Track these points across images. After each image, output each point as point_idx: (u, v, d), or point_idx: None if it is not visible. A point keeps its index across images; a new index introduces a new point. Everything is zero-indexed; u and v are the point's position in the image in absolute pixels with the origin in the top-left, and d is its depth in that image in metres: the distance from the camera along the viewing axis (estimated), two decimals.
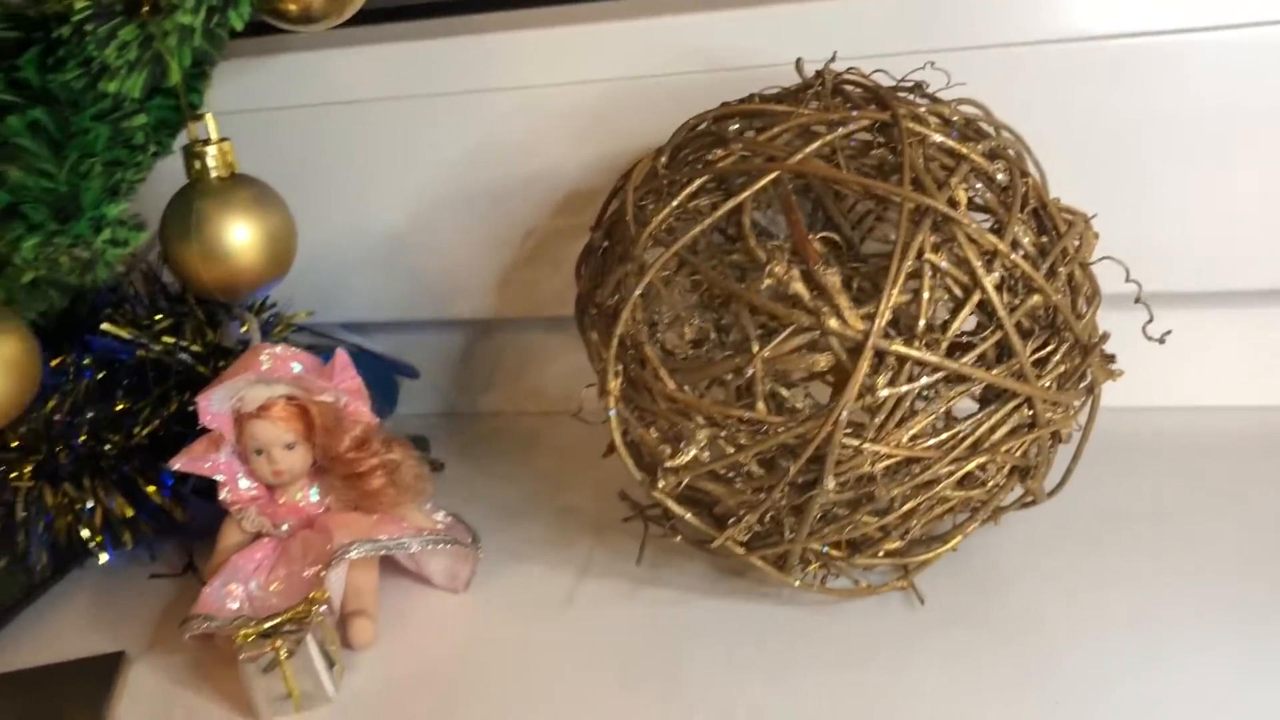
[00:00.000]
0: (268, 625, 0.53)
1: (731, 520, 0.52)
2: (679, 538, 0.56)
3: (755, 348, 0.49)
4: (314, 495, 0.61)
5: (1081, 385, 0.53)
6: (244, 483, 0.60)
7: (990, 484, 0.53)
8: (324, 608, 0.55)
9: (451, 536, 0.60)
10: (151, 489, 0.66)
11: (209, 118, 0.61)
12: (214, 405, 0.57)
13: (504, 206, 0.72)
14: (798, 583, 0.55)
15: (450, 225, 0.75)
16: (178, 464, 0.59)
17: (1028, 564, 0.58)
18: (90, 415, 0.65)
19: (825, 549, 0.54)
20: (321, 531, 0.59)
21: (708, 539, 0.54)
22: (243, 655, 0.52)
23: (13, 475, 0.63)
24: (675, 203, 0.52)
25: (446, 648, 0.58)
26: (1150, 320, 0.53)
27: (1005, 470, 0.53)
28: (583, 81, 0.68)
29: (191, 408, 0.60)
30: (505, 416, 0.81)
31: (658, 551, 0.61)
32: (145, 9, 0.55)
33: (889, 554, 0.56)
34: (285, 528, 0.61)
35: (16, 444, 0.63)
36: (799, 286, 0.48)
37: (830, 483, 0.49)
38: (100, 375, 0.66)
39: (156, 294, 0.68)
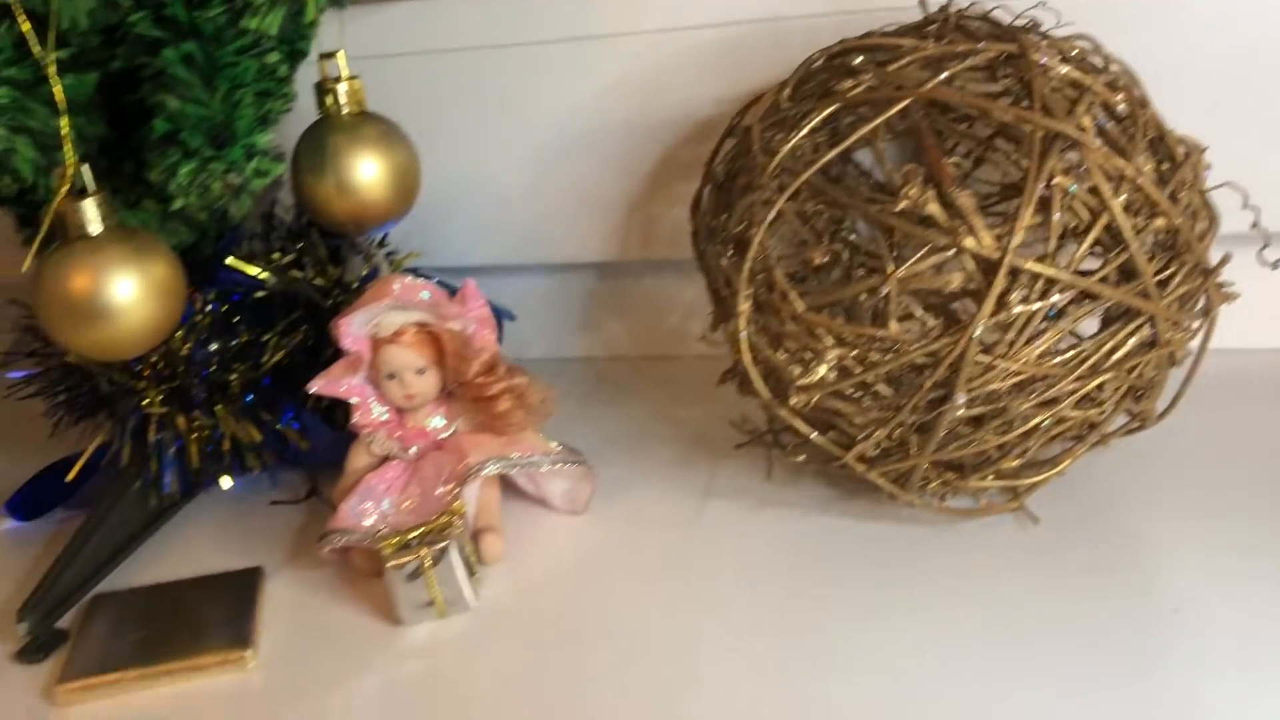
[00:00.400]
0: (411, 536, 0.56)
1: (861, 436, 0.54)
2: (802, 457, 0.58)
3: (890, 268, 0.51)
4: (439, 420, 0.63)
5: (1198, 308, 0.55)
6: (375, 407, 0.62)
7: (1107, 404, 0.54)
8: (462, 520, 0.57)
9: (577, 456, 0.62)
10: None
11: (340, 55, 0.63)
12: (354, 328, 0.59)
13: (617, 151, 0.74)
14: (917, 501, 0.57)
15: (561, 171, 0.76)
16: (316, 386, 0.61)
17: (1134, 489, 0.60)
18: (216, 347, 0.67)
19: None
20: (453, 452, 0.61)
21: (832, 458, 0.56)
22: (389, 563, 0.55)
23: (145, 402, 0.66)
24: (805, 130, 0.54)
25: (571, 563, 0.60)
26: (1266, 245, 0.55)
27: (1122, 391, 0.55)
28: (696, 26, 0.69)
29: (310, 342, 0.62)
30: (613, 360, 0.83)
31: (777, 472, 0.63)
32: None
33: (999, 476, 0.58)
34: (413, 451, 0.63)
35: (148, 372, 0.65)
36: (934, 208, 0.50)
37: (961, 398, 0.51)
38: (224, 309, 0.68)
39: (278, 231, 0.70)
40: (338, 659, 0.55)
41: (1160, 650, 0.49)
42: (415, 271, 0.74)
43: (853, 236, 0.65)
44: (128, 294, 0.56)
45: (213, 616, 0.57)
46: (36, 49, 0.56)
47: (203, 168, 0.55)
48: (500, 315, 0.80)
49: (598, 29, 0.71)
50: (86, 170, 0.55)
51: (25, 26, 0.54)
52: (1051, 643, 0.50)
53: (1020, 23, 0.60)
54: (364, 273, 0.68)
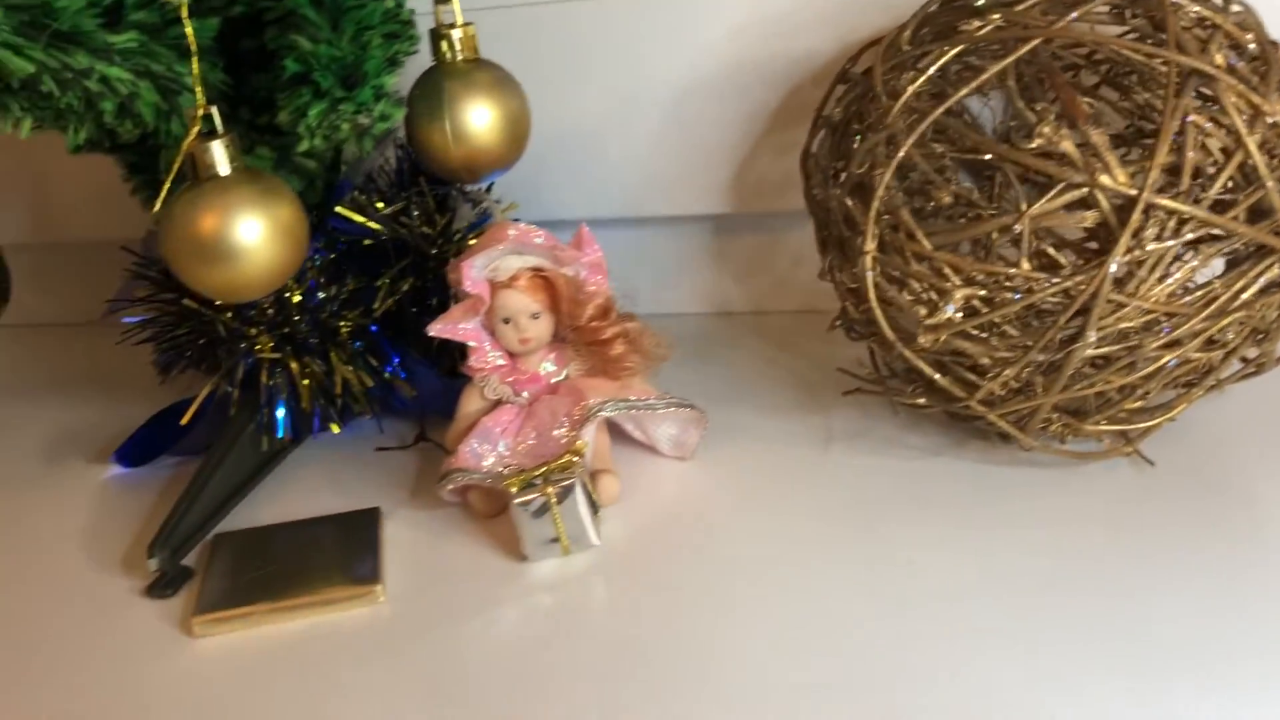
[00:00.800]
0: (536, 474, 0.57)
1: (988, 376, 0.54)
2: (922, 400, 0.59)
3: (1023, 206, 0.51)
4: (551, 365, 0.64)
5: None
6: (490, 352, 0.63)
7: (1231, 345, 0.55)
8: (583, 460, 0.58)
9: (689, 401, 0.63)
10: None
11: (455, 1, 0.63)
12: (474, 271, 0.60)
13: (722, 102, 0.74)
14: (1035, 444, 0.57)
15: (665, 122, 0.77)
16: (436, 328, 0.62)
17: (1248, 435, 0.60)
18: (325, 294, 0.68)
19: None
20: (569, 395, 0.62)
21: (954, 399, 0.56)
22: (516, 500, 0.56)
23: (257, 347, 0.67)
24: (931, 70, 0.55)
25: (685, 505, 0.61)
26: None
27: (1245, 333, 0.55)
28: None
29: (420, 288, 0.63)
30: (718, 316, 0.84)
31: (889, 416, 0.64)
32: None
33: (1115, 420, 0.58)
34: (524, 395, 0.64)
35: (261, 318, 0.66)
36: (1068, 145, 0.50)
37: (1092, 336, 0.51)
38: (332, 256, 0.69)
39: (384, 179, 0.70)
40: (465, 594, 0.56)
41: (1268, 594, 0.49)
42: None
43: (953, 186, 0.65)
44: (255, 234, 0.56)
45: (336, 554, 0.58)
46: None
47: (332, 108, 0.55)
48: None
49: None
50: (215, 112, 0.56)
51: None
52: (1162, 586, 0.51)
53: None
54: (472, 220, 0.68)
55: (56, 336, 0.92)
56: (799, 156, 0.65)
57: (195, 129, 0.56)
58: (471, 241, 0.69)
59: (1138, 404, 0.56)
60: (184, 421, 0.67)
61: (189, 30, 0.55)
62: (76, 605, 0.58)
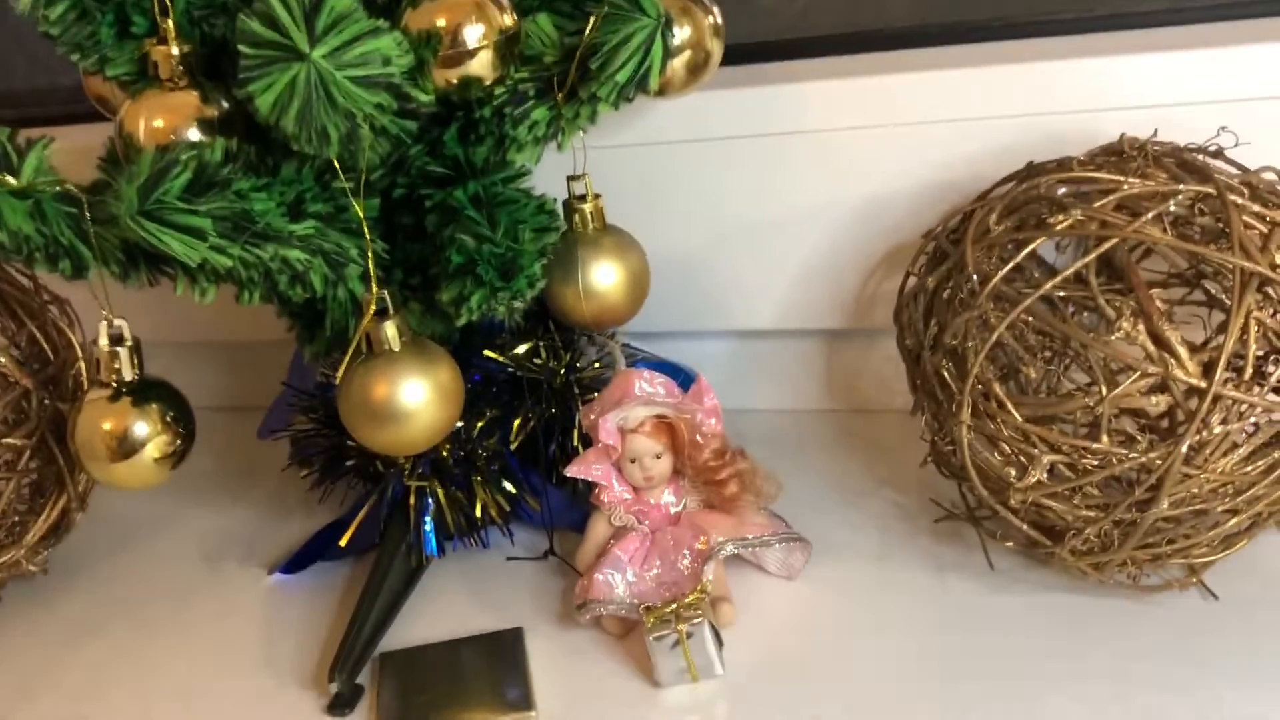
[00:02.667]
0: (668, 610, 0.65)
1: (1071, 534, 0.62)
2: (1010, 544, 0.66)
3: (1104, 390, 0.58)
4: (671, 497, 0.72)
5: None
6: (617, 485, 0.71)
7: None
8: (708, 595, 0.66)
9: (798, 534, 0.71)
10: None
11: (587, 178, 0.71)
12: (609, 424, 0.68)
13: (789, 234, 0.82)
14: (1110, 581, 0.64)
15: (736, 250, 0.84)
16: (572, 471, 0.70)
17: None
18: (465, 424, 0.76)
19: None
20: (691, 528, 0.70)
21: (1040, 546, 0.64)
22: (652, 635, 0.64)
23: (406, 474, 0.75)
24: (1019, 258, 0.62)
25: (795, 627, 0.69)
26: None
27: None
28: (861, 127, 0.77)
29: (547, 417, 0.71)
30: (809, 414, 0.91)
31: (971, 547, 0.71)
32: (560, 94, 0.65)
33: (1184, 556, 0.65)
34: (646, 524, 0.72)
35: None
36: (1145, 341, 0.57)
37: (1165, 503, 0.59)
38: (469, 387, 0.77)
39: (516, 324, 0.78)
40: (613, 717, 0.63)
41: None
42: (626, 346, 0.83)
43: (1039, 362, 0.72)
44: (420, 399, 0.65)
45: (490, 675, 0.67)
46: (339, 182, 0.64)
47: (492, 294, 0.63)
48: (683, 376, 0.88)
49: (779, 126, 0.78)
50: (388, 295, 0.64)
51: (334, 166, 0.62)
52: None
53: (1210, 148, 0.66)
54: (596, 362, 0.76)
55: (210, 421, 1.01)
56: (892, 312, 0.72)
57: (371, 309, 0.64)
58: (596, 366, 0.77)
59: (1205, 547, 0.63)
60: (343, 543, 0.76)
61: (361, 215, 0.63)
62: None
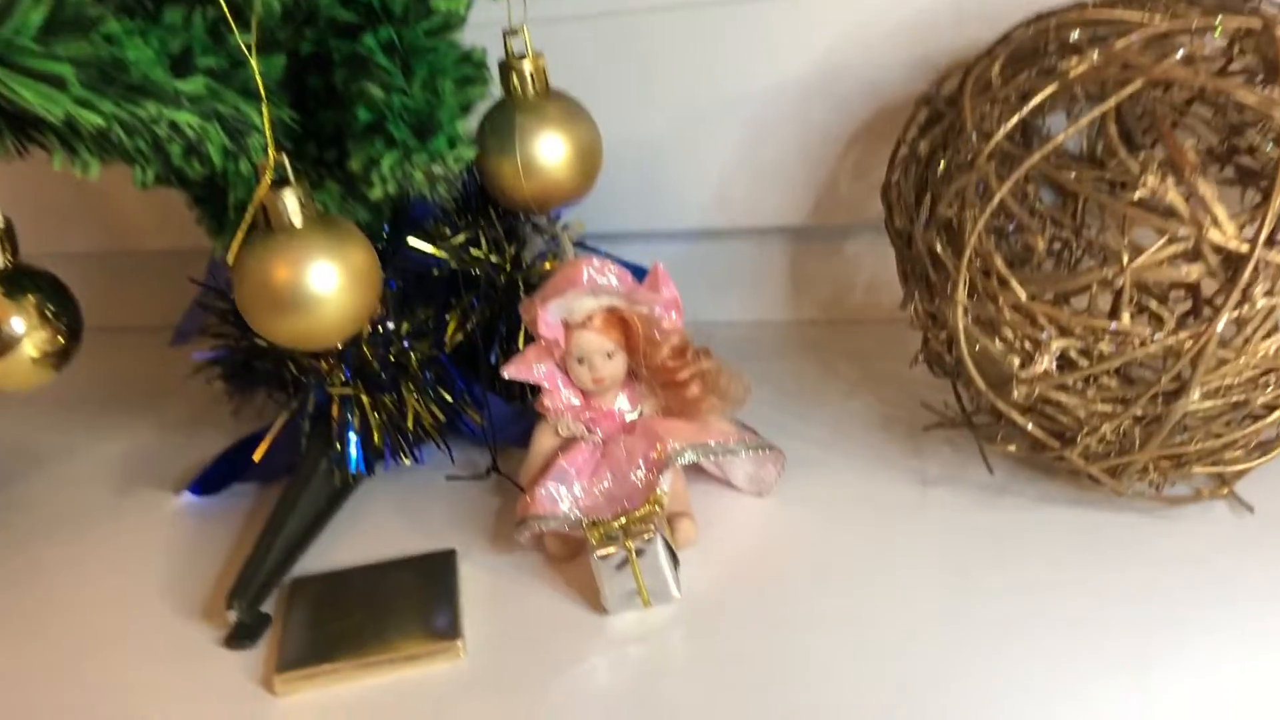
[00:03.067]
0: (616, 525, 0.56)
1: (1084, 431, 0.52)
2: (1013, 447, 0.57)
3: (1125, 259, 0.49)
4: (625, 403, 0.63)
5: None
6: (563, 390, 0.62)
7: None
8: (663, 509, 0.57)
9: (769, 441, 0.62)
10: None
11: (525, 31, 0.61)
12: (550, 315, 0.59)
13: (758, 117, 0.72)
14: (1129, 491, 0.55)
15: (723, 135, 0.75)
16: (509, 371, 0.61)
17: None
18: (395, 326, 0.67)
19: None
20: (646, 436, 0.61)
21: (1046, 449, 0.55)
22: (597, 553, 0.55)
23: (329, 382, 0.66)
24: (1024, 111, 0.52)
25: (763, 547, 0.60)
26: None
27: None
28: None
29: (488, 317, 0.62)
30: (787, 325, 0.82)
31: (966, 456, 0.62)
32: None
33: (1213, 464, 0.56)
34: (599, 433, 0.63)
35: (332, 354, 0.66)
36: (1175, 197, 0.48)
37: (1196, 394, 0.49)
38: (400, 286, 0.68)
39: (452, 210, 0.69)
40: (547, 647, 0.55)
41: None
42: (583, 245, 0.73)
43: (1038, 205, 0.63)
44: (329, 284, 0.55)
45: (414, 603, 0.58)
46: (234, 36, 0.55)
47: (406, 158, 0.54)
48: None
49: None
50: (286, 161, 0.55)
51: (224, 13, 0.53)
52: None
53: None
54: (541, 249, 0.67)
55: (128, 342, 0.92)
56: (880, 185, 0.63)
57: (267, 178, 0.55)
58: (548, 266, 0.68)
59: (1238, 451, 0.54)
60: (257, 458, 0.67)
61: (257, 73, 0.54)
62: (152, 652, 0.58)
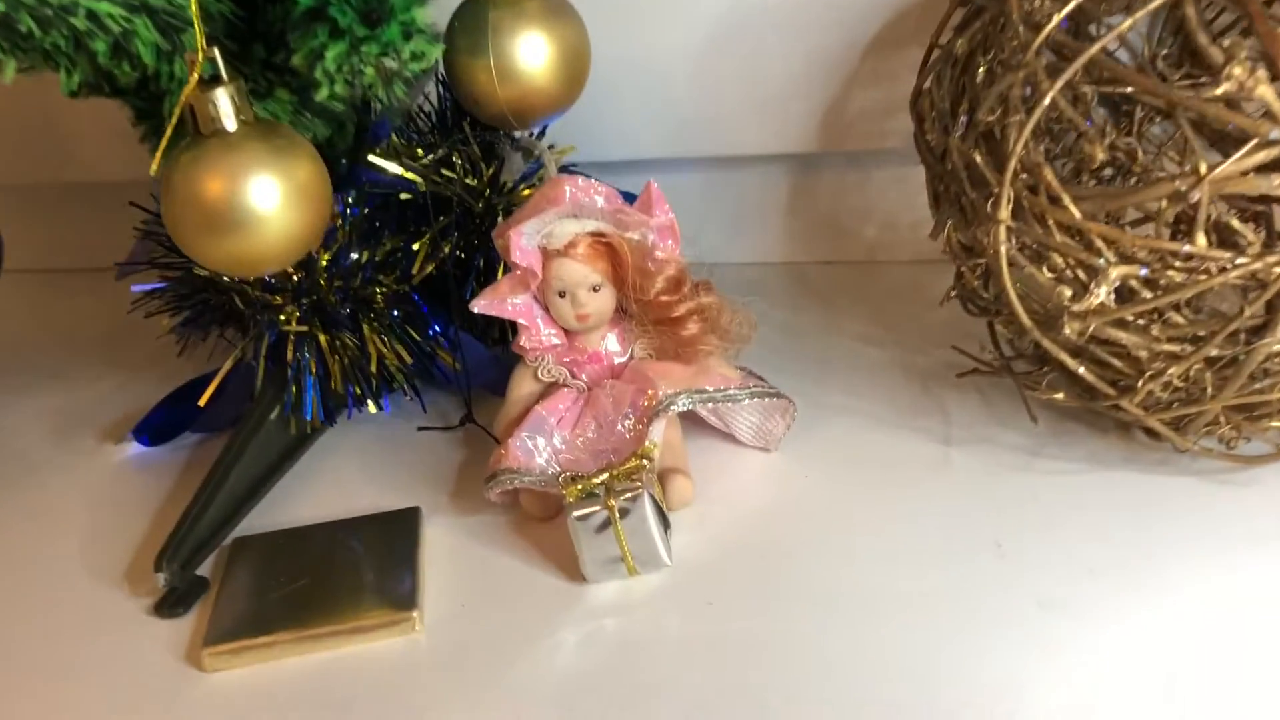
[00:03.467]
0: (597, 482, 0.48)
1: (1148, 374, 0.44)
2: (1060, 394, 0.49)
3: (1202, 167, 0.41)
4: (614, 344, 0.55)
5: None
6: (543, 329, 0.54)
7: None
8: (652, 464, 0.49)
9: (773, 389, 0.54)
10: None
11: None
12: (525, 240, 0.51)
13: (797, 28, 0.64)
14: (1197, 448, 0.48)
15: (737, 51, 0.66)
16: (480, 305, 0.53)
17: None
18: (358, 257, 0.59)
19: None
20: (635, 381, 0.53)
21: (1100, 397, 0.47)
22: (574, 514, 0.47)
23: (282, 319, 0.58)
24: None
25: (768, 510, 0.53)
26: None
27: None
28: None
29: (463, 248, 0.54)
30: (804, 267, 0.74)
31: (998, 410, 0.54)
32: None
33: None
34: (584, 378, 0.55)
35: (285, 286, 0.58)
36: (1266, 91, 0.40)
37: None
38: (364, 213, 0.60)
39: (424, 125, 0.61)
40: (515, 620, 0.48)
41: None
42: (570, 170, 0.65)
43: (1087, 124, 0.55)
44: (268, 200, 0.48)
45: (370, 567, 0.51)
46: None
47: (353, 50, 0.46)
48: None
49: None
50: (218, 55, 0.47)
51: None
52: None
53: None
54: (523, 170, 0.59)
55: (72, 284, 0.85)
56: (909, 95, 0.55)
57: (195, 75, 0.47)
58: (526, 193, 0.61)
59: None
60: (201, 402, 0.60)
61: None
62: (75, 621, 0.51)
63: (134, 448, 0.64)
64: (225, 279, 0.58)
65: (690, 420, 0.57)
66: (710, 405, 0.52)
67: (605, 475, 0.48)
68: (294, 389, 0.59)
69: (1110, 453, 0.52)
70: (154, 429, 0.64)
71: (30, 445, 0.65)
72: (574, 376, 0.55)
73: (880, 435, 0.56)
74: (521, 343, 0.54)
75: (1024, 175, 0.45)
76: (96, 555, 0.55)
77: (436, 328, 0.62)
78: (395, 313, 0.60)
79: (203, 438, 0.63)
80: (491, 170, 0.60)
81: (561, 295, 0.53)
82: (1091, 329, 0.44)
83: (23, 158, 0.79)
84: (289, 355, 0.59)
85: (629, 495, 0.47)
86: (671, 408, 0.51)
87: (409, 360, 0.60)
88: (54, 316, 0.79)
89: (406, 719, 0.43)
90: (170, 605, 0.50)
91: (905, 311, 0.66)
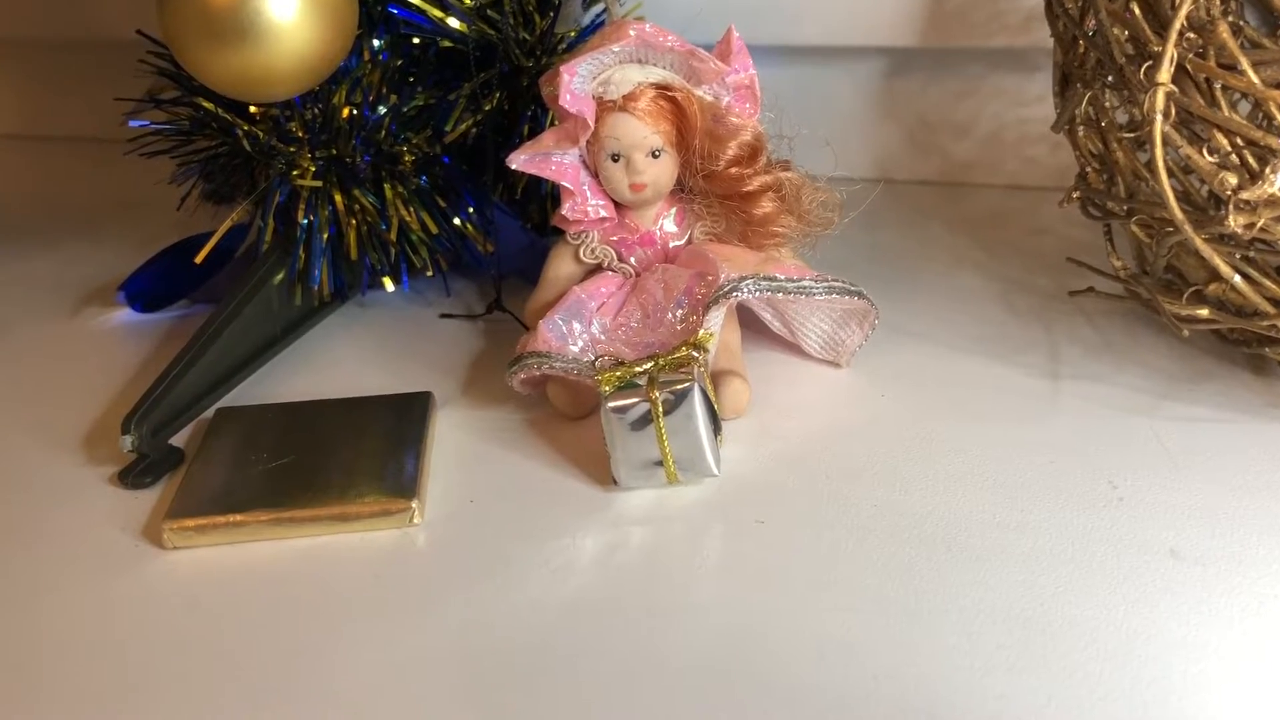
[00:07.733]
0: (639, 370, 0.40)
1: None
2: (1204, 310, 0.41)
3: None
4: (671, 223, 0.47)
5: None
6: (590, 199, 0.47)
7: None
8: (707, 356, 0.42)
9: (859, 288, 0.46)
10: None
11: None
12: (579, 82, 0.43)
13: None
14: None
15: None
16: (519, 160, 0.45)
17: None
18: (386, 110, 0.52)
19: None
20: (692, 264, 0.45)
21: (1255, 318, 0.38)
22: (610, 404, 0.40)
23: (295, 171, 0.51)
24: None
25: (834, 431, 0.45)
26: None
27: None
28: None
29: (507, 112, 0.47)
30: (892, 184, 0.66)
31: (1115, 342, 0.46)
32: None
33: None
34: (633, 261, 0.47)
35: (301, 132, 0.51)
36: None
37: None
38: (398, 62, 0.53)
39: None
40: (526, 524, 0.40)
41: None
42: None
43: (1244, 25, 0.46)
44: (283, 6, 0.41)
45: (367, 451, 0.43)
46: None
47: None
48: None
49: None
50: None
51: None
52: None
53: None
54: (583, 24, 0.51)
55: (76, 151, 0.78)
56: None
57: None
58: None
59: None
60: (198, 259, 0.53)
61: None
62: (27, 490, 0.44)
63: (121, 315, 0.57)
64: (229, 116, 0.50)
65: (751, 326, 0.49)
66: (781, 295, 0.44)
67: (650, 364, 0.41)
68: (302, 253, 0.52)
69: (1246, 395, 0.44)
70: (146, 294, 0.57)
71: (10, 312, 0.58)
72: (621, 259, 0.48)
73: (973, 364, 0.48)
74: (564, 212, 0.47)
75: (1190, 35, 0.37)
76: (59, 418, 0.48)
77: (470, 202, 0.54)
78: (424, 178, 0.53)
79: (201, 310, 0.56)
80: (547, 21, 0.52)
81: (615, 159, 0.45)
82: (1261, 224, 0.36)
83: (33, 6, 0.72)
84: (300, 215, 0.52)
85: (677, 387, 0.39)
86: (735, 294, 0.43)
87: (434, 231, 0.52)
88: (65, 185, 0.72)
89: (387, 630, 0.36)
90: (136, 474, 0.44)
91: (1002, 237, 0.58)
